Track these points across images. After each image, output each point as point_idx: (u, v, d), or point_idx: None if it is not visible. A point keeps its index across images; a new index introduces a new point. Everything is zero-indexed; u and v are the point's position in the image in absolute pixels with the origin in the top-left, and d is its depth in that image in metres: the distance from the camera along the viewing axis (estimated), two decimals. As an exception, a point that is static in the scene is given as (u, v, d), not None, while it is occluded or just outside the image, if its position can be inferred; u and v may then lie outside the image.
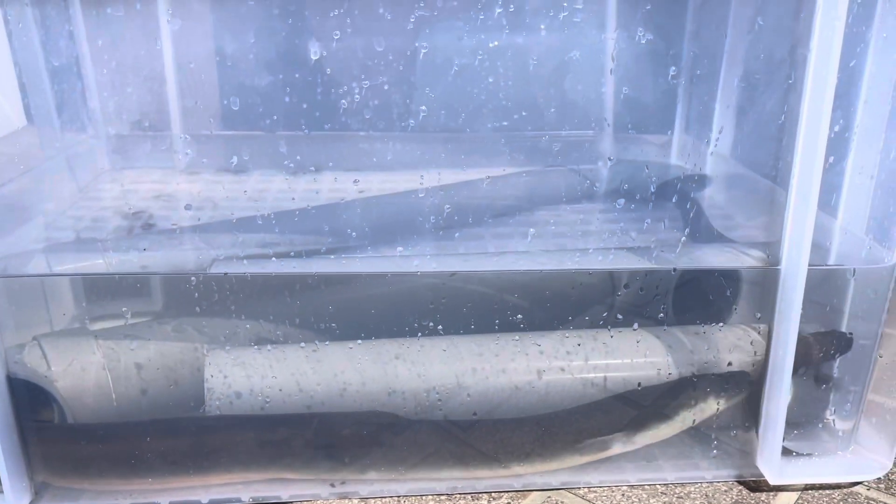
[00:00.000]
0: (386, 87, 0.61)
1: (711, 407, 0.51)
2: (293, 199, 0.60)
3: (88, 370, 0.52)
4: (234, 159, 0.68)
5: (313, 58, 0.51)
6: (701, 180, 0.78)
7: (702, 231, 0.68)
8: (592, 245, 0.58)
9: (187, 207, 0.56)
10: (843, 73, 0.46)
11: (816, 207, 0.43)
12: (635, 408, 0.52)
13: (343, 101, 0.56)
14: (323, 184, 0.73)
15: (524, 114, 0.75)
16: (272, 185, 0.71)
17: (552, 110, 0.76)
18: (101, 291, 0.62)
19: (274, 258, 0.49)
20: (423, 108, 0.55)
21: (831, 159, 0.45)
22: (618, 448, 0.51)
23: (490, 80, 0.69)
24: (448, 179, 0.66)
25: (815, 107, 0.42)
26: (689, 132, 0.82)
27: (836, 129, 0.45)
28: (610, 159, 0.69)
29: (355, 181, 0.54)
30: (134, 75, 0.73)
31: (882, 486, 0.52)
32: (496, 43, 0.67)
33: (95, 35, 0.71)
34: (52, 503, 0.50)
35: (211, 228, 0.58)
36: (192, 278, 0.51)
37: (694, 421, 0.51)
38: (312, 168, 0.73)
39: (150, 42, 0.69)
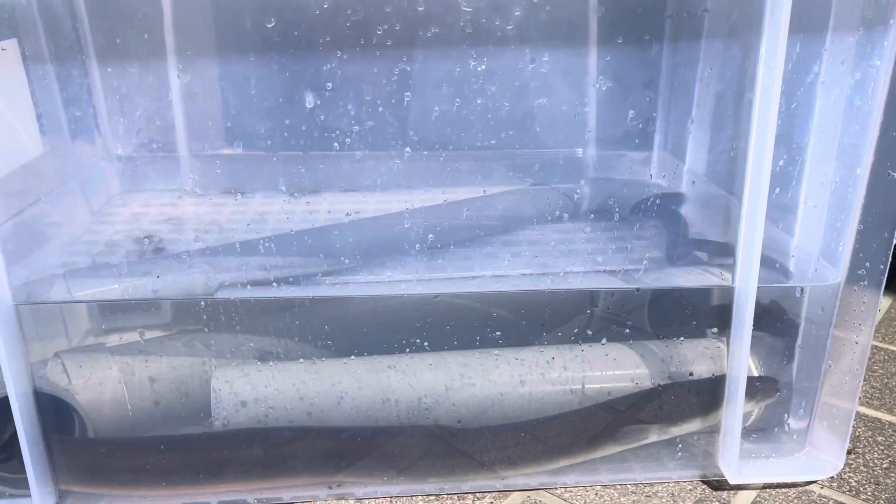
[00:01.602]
0: (380, 109, 0.66)
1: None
2: (289, 219, 0.65)
3: (106, 383, 0.57)
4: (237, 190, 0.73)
5: (308, 106, 0.56)
6: (677, 199, 0.82)
7: (679, 249, 0.72)
8: (568, 266, 0.63)
9: (196, 240, 0.61)
10: (786, 115, 0.51)
11: (763, 232, 0.48)
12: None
13: (339, 132, 0.61)
14: (320, 205, 0.78)
15: (511, 133, 0.80)
16: (273, 206, 0.76)
17: (538, 129, 0.81)
18: (116, 311, 0.67)
19: (274, 283, 0.53)
20: (408, 149, 0.59)
21: (777, 190, 0.50)
22: (653, 437, 0.56)
23: (478, 101, 0.74)
24: (437, 199, 0.71)
25: (760, 144, 0.46)
26: (666, 150, 0.86)
27: (781, 163, 0.49)
28: (577, 193, 0.74)
29: (347, 214, 0.58)
30: (142, 99, 0.77)
31: (834, 484, 0.57)
32: (483, 66, 0.71)
33: (105, 63, 0.75)
34: (75, 505, 0.55)
35: (216, 252, 0.62)
36: (201, 302, 0.55)
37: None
38: (309, 191, 0.78)
39: (158, 67, 0.73)
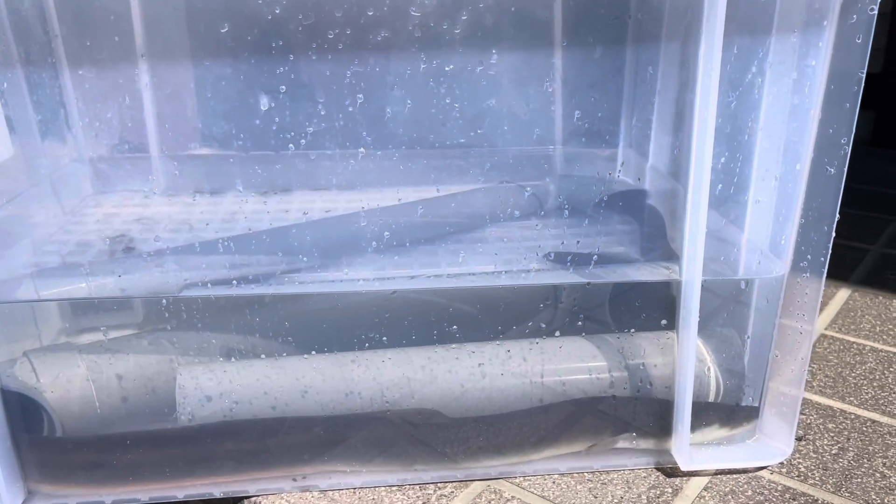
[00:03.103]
0: (350, 109, 0.67)
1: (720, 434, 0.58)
2: (246, 218, 0.66)
3: (74, 381, 0.58)
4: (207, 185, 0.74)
5: (263, 108, 0.57)
6: (640, 195, 0.84)
7: (640, 244, 0.74)
8: (529, 262, 0.64)
9: (156, 240, 0.62)
10: (730, 114, 0.52)
11: (705, 226, 0.50)
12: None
13: (308, 126, 0.62)
14: (292, 204, 0.79)
15: (479, 131, 0.82)
16: (245, 206, 0.77)
17: (505, 127, 0.83)
18: (88, 311, 0.68)
19: (234, 282, 0.55)
20: (362, 149, 0.60)
21: (720, 186, 0.51)
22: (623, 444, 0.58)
23: (447, 100, 0.75)
24: (405, 197, 0.72)
25: (700, 141, 0.48)
26: (631, 147, 0.88)
27: (723, 160, 0.51)
28: (528, 190, 0.75)
29: (304, 213, 0.60)
30: (113, 101, 0.78)
31: (784, 470, 0.59)
32: (451, 67, 0.73)
33: (76, 65, 0.76)
34: (42, 502, 0.56)
35: (181, 251, 0.64)
36: (164, 300, 0.57)
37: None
38: (281, 190, 0.79)
39: (129, 69, 0.74)
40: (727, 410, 0.58)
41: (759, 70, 0.50)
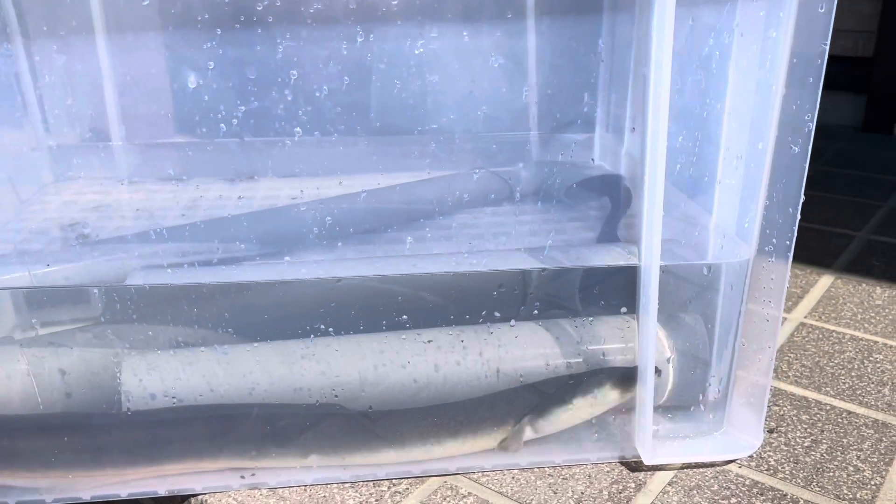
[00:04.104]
0: (317, 95, 0.65)
1: (617, 397, 0.55)
2: (180, 208, 0.64)
3: (14, 377, 0.56)
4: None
5: (191, 86, 0.55)
6: (615, 181, 0.82)
7: (610, 228, 0.71)
8: (488, 246, 0.62)
9: (83, 227, 0.60)
10: (691, 90, 0.50)
11: (662, 211, 0.47)
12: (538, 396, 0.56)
13: (278, 106, 0.60)
14: (258, 191, 0.77)
15: (452, 117, 0.79)
16: (209, 192, 0.75)
17: (479, 113, 0.80)
18: (45, 305, 0.66)
19: (169, 269, 0.52)
20: (298, 129, 0.58)
21: (678, 167, 0.49)
22: (529, 434, 0.55)
23: (417, 83, 0.73)
24: (371, 183, 0.70)
25: (655, 121, 0.45)
26: (608, 132, 0.86)
27: (680, 139, 0.49)
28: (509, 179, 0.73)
29: (239, 197, 0.57)
30: (74, 87, 0.76)
31: (753, 463, 0.56)
32: (421, 50, 0.70)
33: (34, 51, 0.74)
34: (-19, 501, 0.54)
35: (129, 240, 0.62)
36: (95, 290, 0.54)
37: (592, 412, 0.55)
38: (245, 177, 0.77)
39: (88, 55, 0.72)
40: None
41: (719, 43, 0.48)
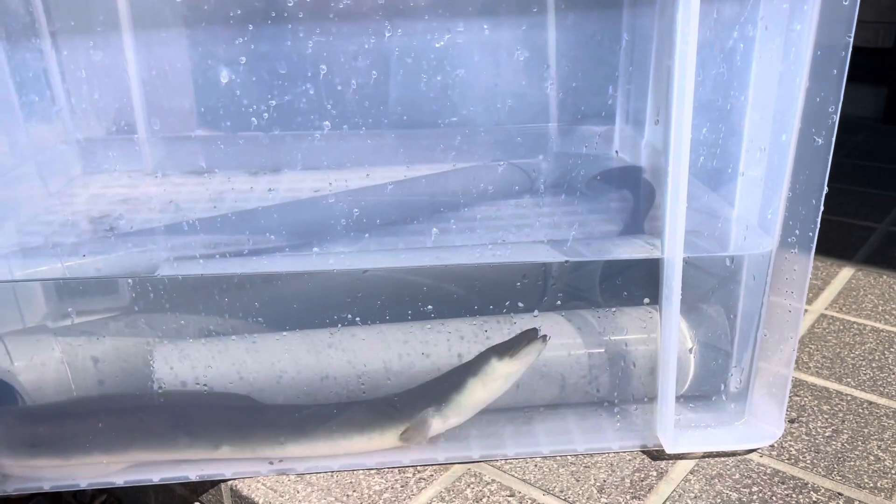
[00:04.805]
0: (339, 88, 0.65)
1: (505, 368, 0.53)
2: (210, 203, 0.65)
3: (48, 364, 0.58)
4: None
5: (223, 81, 0.56)
6: (635, 173, 0.82)
7: (629, 221, 0.72)
8: (511, 238, 0.63)
9: (118, 218, 0.61)
10: (715, 83, 0.50)
11: (685, 202, 0.48)
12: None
13: (297, 99, 0.61)
14: (281, 184, 0.78)
15: (473, 109, 0.80)
16: (233, 185, 0.76)
17: (499, 105, 0.81)
18: (70, 292, 0.68)
19: (200, 260, 0.53)
20: (327, 123, 0.59)
21: (701, 159, 0.49)
22: (435, 428, 0.55)
23: (438, 77, 0.74)
24: (396, 175, 0.71)
25: (679, 113, 0.46)
26: (628, 124, 0.86)
27: (704, 131, 0.49)
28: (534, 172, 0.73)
29: (269, 190, 0.58)
30: (101, 81, 0.77)
31: (774, 452, 0.57)
32: (441, 43, 0.71)
33: (62, 45, 0.75)
34: (18, 485, 0.56)
35: (158, 231, 0.63)
36: (129, 281, 0.56)
37: (487, 391, 0.54)
38: (270, 170, 0.78)
39: (115, 51, 0.73)
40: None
41: (742, 36, 0.48)
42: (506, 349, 0.53)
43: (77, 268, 0.60)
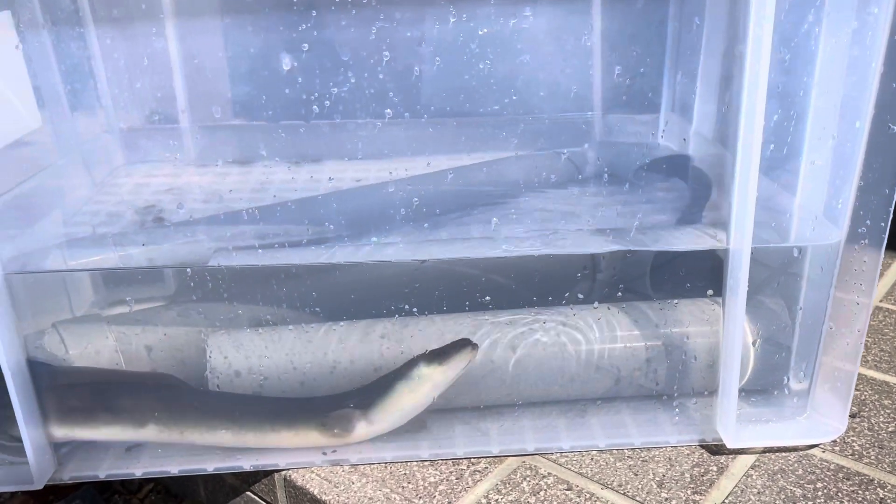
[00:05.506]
0: (381, 77, 0.65)
1: (433, 374, 0.53)
2: (296, 189, 0.64)
3: (102, 353, 0.58)
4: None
5: (285, 68, 0.55)
6: (683, 161, 0.80)
7: (686, 211, 0.70)
8: (563, 228, 0.62)
9: (179, 207, 0.61)
10: (784, 68, 0.49)
11: (756, 192, 0.46)
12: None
13: (337, 89, 0.60)
14: (322, 173, 0.77)
15: (514, 98, 0.79)
16: (275, 175, 0.75)
17: (541, 94, 0.79)
18: (118, 281, 0.68)
19: (259, 250, 0.53)
20: (389, 111, 0.58)
21: (772, 146, 0.48)
22: (361, 429, 0.54)
23: (480, 66, 0.72)
24: (439, 166, 0.70)
25: (751, 99, 0.45)
26: (674, 111, 0.84)
27: (776, 118, 0.48)
28: (565, 156, 0.72)
29: (330, 179, 0.58)
30: (143, 71, 0.77)
31: (837, 448, 0.56)
32: (485, 30, 0.70)
33: (104, 34, 0.75)
34: (74, 472, 0.56)
35: (210, 221, 0.62)
36: (188, 270, 0.55)
37: (415, 396, 0.54)
38: (311, 160, 0.77)
39: (157, 40, 0.73)
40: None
41: (816, 19, 0.47)
42: (435, 356, 0.53)
43: (129, 257, 0.60)
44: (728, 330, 0.51)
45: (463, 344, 0.53)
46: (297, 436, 0.55)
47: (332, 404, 0.55)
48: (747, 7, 0.43)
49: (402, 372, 0.54)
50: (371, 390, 0.55)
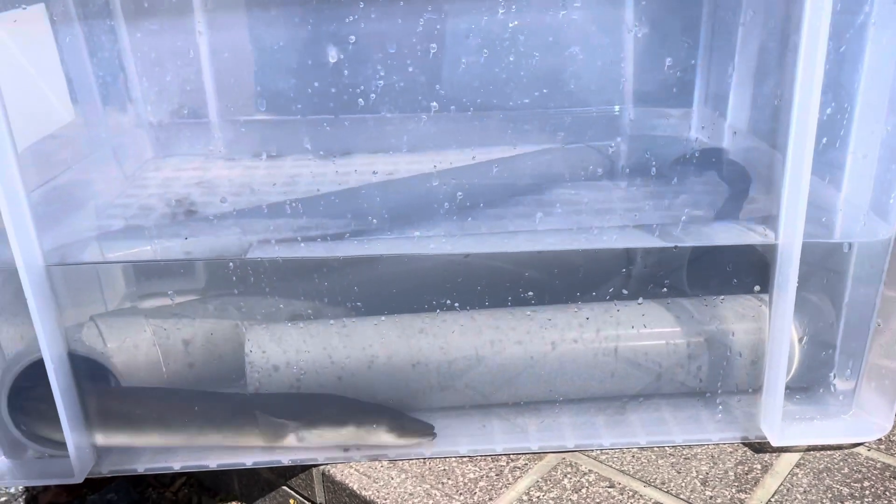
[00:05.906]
0: (410, 70, 0.64)
1: (383, 438, 0.54)
2: (312, 179, 0.63)
3: (140, 346, 0.58)
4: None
5: (332, 61, 0.55)
6: (718, 155, 0.79)
7: (724, 205, 0.69)
8: (603, 223, 0.61)
9: (222, 201, 0.61)
10: (835, 59, 0.48)
11: (809, 186, 0.46)
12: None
13: (374, 83, 0.59)
14: (351, 166, 0.77)
15: (545, 91, 0.78)
16: (305, 168, 0.75)
17: (572, 86, 0.79)
18: (150, 274, 0.67)
19: (302, 244, 0.53)
20: (434, 104, 0.57)
21: (824, 140, 0.47)
22: (291, 440, 0.54)
23: (511, 58, 0.72)
24: (467, 159, 0.69)
25: (806, 91, 0.44)
26: (707, 105, 0.83)
27: (829, 111, 0.47)
28: (611, 148, 0.71)
29: (374, 172, 0.57)
30: (172, 65, 0.77)
31: (882, 446, 0.55)
32: (516, 22, 0.69)
33: (134, 29, 0.75)
34: (113, 466, 0.56)
35: (247, 214, 0.62)
36: (230, 263, 0.55)
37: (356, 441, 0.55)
38: (340, 153, 0.76)
39: (187, 33, 0.73)
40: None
41: (872, 10, 0.46)
42: (398, 425, 0.54)
43: (167, 250, 0.60)
44: (775, 326, 0.50)
45: (426, 431, 0.55)
46: (239, 436, 0.55)
47: (278, 411, 0.55)
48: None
49: (359, 415, 0.54)
50: (322, 411, 0.55)
